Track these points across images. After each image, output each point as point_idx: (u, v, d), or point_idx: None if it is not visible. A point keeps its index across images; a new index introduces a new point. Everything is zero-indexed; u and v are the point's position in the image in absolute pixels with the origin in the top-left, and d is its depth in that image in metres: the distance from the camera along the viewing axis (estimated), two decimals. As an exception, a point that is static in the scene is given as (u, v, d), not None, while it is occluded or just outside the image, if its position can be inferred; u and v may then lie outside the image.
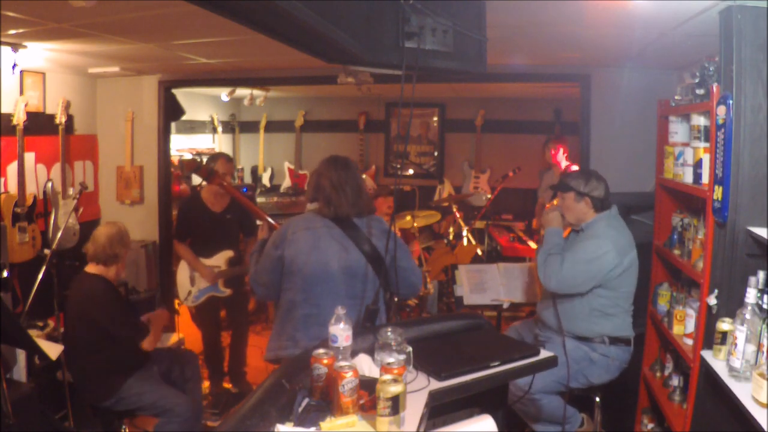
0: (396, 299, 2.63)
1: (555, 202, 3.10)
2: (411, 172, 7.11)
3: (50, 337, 3.40)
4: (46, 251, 3.32)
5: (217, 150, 6.55)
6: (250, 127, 7.50)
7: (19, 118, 3.81)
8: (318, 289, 2.44)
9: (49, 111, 4.27)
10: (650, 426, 3.10)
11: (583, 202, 2.90)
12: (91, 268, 3.05)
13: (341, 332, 1.73)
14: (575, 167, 4.79)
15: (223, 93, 6.16)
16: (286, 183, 7.15)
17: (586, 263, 2.76)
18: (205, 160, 4.35)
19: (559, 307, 2.88)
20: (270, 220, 3.17)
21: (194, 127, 6.54)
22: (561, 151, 4.97)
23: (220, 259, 4.07)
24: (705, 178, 2.34)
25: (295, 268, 2.46)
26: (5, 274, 3.40)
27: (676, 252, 2.82)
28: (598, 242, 2.78)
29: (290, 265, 2.47)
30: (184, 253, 4.09)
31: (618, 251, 2.76)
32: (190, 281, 4.09)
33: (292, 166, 7.21)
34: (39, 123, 4.16)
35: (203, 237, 4.07)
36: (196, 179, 5.48)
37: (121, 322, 2.98)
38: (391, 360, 1.59)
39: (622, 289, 2.84)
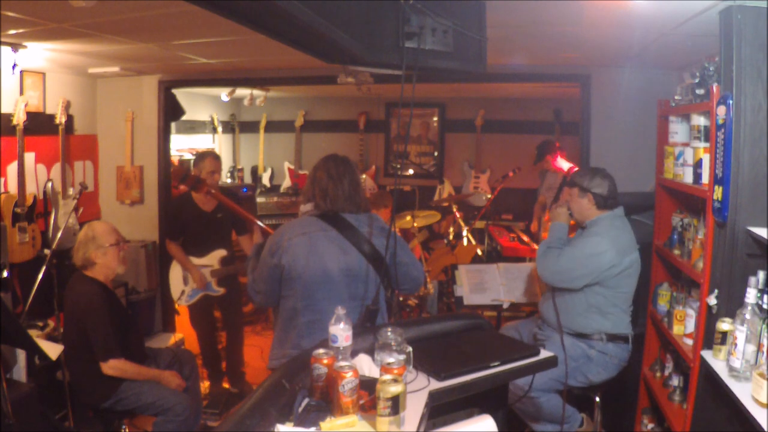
0: (401, 298, 2.61)
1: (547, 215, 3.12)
2: (411, 172, 7.11)
3: (50, 337, 3.40)
4: (46, 251, 3.32)
5: (217, 150, 6.55)
6: (250, 127, 7.50)
7: (19, 118, 3.81)
8: (319, 295, 2.39)
9: (49, 111, 4.27)
10: (650, 426, 3.10)
11: (586, 198, 2.92)
12: (84, 270, 3.06)
13: (341, 332, 1.73)
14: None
15: (223, 93, 6.16)
16: (286, 183, 7.16)
17: (582, 258, 2.80)
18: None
19: (558, 301, 2.90)
20: (260, 223, 3.11)
21: (194, 127, 6.54)
22: (558, 157, 4.98)
23: (212, 259, 4.05)
24: (705, 178, 2.34)
25: (294, 275, 2.40)
26: (5, 274, 3.39)
27: (676, 252, 2.82)
28: (598, 240, 2.82)
29: (289, 273, 2.41)
30: (175, 253, 4.06)
31: (617, 251, 2.78)
32: (182, 281, 4.08)
33: (292, 166, 7.21)
34: (39, 123, 4.15)
35: (195, 236, 4.05)
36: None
37: (103, 327, 2.85)
38: (391, 360, 1.59)
39: (621, 289, 2.85)
